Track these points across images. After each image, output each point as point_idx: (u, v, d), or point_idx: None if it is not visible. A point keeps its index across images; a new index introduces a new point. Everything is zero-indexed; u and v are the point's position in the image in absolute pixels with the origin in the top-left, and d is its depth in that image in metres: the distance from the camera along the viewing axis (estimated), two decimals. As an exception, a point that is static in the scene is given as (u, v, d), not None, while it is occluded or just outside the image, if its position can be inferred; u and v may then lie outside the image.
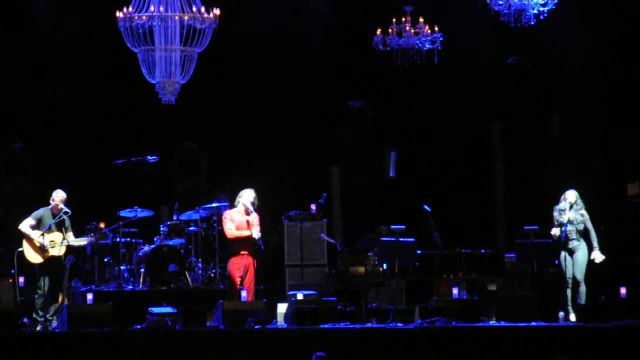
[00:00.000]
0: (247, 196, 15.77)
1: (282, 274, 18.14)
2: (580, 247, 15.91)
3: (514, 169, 20.49)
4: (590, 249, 15.91)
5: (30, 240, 15.44)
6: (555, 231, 15.90)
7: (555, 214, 16.02)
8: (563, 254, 15.90)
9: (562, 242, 15.88)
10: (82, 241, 15.79)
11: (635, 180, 19.45)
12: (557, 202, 16.12)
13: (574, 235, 15.92)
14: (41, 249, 15.36)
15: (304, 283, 17.56)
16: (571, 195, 16.01)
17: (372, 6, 19.33)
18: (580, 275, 15.84)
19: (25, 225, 15.47)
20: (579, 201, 16.02)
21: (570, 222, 15.86)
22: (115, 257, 17.06)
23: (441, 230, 17.30)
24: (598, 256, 15.90)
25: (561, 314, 15.74)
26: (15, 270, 15.94)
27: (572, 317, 15.63)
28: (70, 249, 15.59)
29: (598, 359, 14.21)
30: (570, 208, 15.94)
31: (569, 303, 15.76)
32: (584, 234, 15.95)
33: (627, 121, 19.79)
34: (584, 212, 16.00)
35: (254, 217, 15.73)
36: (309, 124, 20.08)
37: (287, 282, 17.89)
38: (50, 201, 15.58)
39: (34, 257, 15.45)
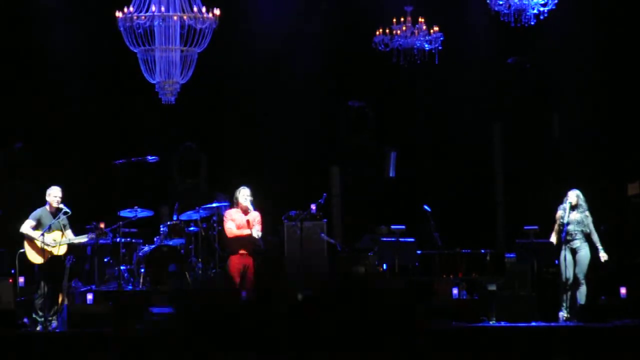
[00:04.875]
0: (242, 195, 15.78)
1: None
2: (584, 247, 15.93)
3: (514, 169, 20.48)
4: (594, 250, 15.93)
5: (31, 242, 15.45)
6: (554, 239, 15.97)
7: (560, 212, 16.04)
8: (563, 253, 15.91)
9: (564, 241, 15.90)
10: (82, 238, 15.80)
11: (635, 180, 19.45)
12: (562, 201, 16.14)
13: (578, 236, 15.94)
14: (42, 250, 15.36)
15: (304, 283, 17.54)
16: (572, 195, 16.03)
17: (372, 6, 19.33)
18: (581, 275, 15.85)
19: (27, 227, 15.48)
20: (583, 202, 16.02)
21: (577, 222, 15.89)
22: (115, 257, 17.05)
23: (441, 230, 17.30)
24: (605, 256, 15.93)
25: (561, 313, 15.75)
26: (15, 271, 15.94)
27: (568, 315, 15.67)
28: (70, 248, 15.60)
29: (598, 359, 14.20)
30: (572, 209, 15.95)
31: (566, 305, 15.76)
32: (588, 235, 15.97)
33: (627, 121, 19.79)
34: (587, 213, 16.02)
35: (254, 216, 15.73)
36: (309, 124, 20.07)
37: (287, 282, 17.87)
38: (47, 197, 15.58)
39: (36, 258, 15.46)
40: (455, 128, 20.23)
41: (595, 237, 15.95)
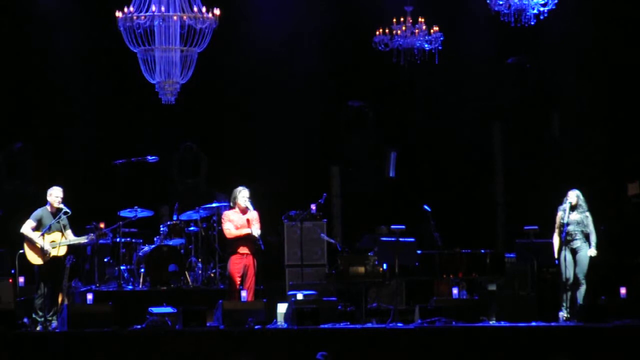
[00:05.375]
0: (241, 196, 15.78)
1: (282, 274, 18.13)
2: (584, 247, 15.93)
3: (514, 169, 20.49)
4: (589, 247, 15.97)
5: (31, 243, 15.44)
6: (556, 240, 15.97)
7: (560, 213, 16.04)
8: (563, 253, 15.91)
9: (564, 242, 15.90)
10: (82, 239, 15.80)
11: (635, 180, 19.45)
12: (561, 202, 16.13)
13: (578, 236, 15.93)
14: (42, 251, 15.36)
15: (304, 283, 17.56)
16: (572, 195, 16.02)
17: (372, 6, 19.33)
18: (582, 275, 15.85)
19: (27, 228, 15.46)
20: (583, 203, 16.02)
21: (577, 222, 15.89)
22: (115, 257, 17.05)
23: (441, 230, 17.30)
24: (594, 252, 15.93)
25: (561, 313, 15.75)
26: (15, 271, 15.93)
27: (567, 315, 15.68)
28: (70, 248, 15.59)
29: (598, 359, 14.20)
30: (572, 209, 15.95)
31: (566, 305, 15.76)
32: (588, 236, 15.97)
33: (627, 121, 19.79)
34: (588, 214, 16.02)
35: (253, 215, 15.73)
36: (309, 124, 20.07)
37: (287, 282, 17.89)
38: (48, 197, 15.58)
39: (35, 259, 15.44)
40: (455, 128, 20.23)
41: (592, 237, 15.93)
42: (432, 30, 18.09)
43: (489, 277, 16.57)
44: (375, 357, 14.22)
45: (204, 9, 15.39)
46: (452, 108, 20.25)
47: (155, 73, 15.58)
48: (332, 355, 12.59)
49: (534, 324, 15.04)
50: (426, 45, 18.09)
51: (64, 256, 15.51)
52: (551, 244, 16.05)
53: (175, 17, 15.31)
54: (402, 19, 18.10)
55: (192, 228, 17.51)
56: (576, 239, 15.94)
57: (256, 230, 15.65)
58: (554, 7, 16.49)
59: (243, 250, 15.70)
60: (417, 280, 16.93)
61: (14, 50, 19.17)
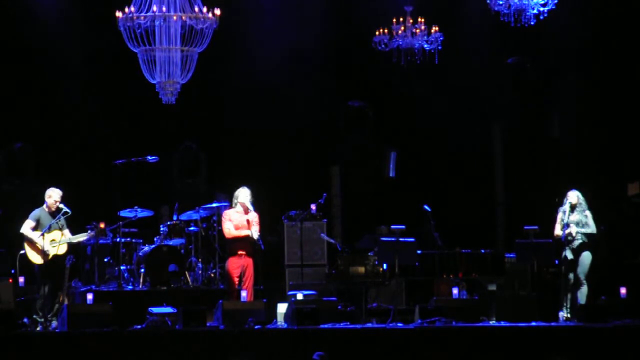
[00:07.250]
0: (243, 195, 15.79)
1: (282, 274, 18.14)
2: (585, 248, 15.92)
3: (514, 169, 20.49)
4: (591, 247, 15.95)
5: (32, 242, 15.44)
6: (559, 232, 15.92)
7: (560, 214, 16.04)
8: (564, 254, 15.91)
9: (564, 242, 15.90)
10: (81, 237, 15.82)
11: (635, 180, 19.45)
12: (562, 203, 16.12)
13: (579, 236, 15.92)
14: (43, 250, 15.36)
15: (304, 283, 17.56)
16: (572, 196, 16.02)
17: (372, 6, 19.34)
18: (582, 276, 15.86)
19: (27, 228, 15.48)
20: (582, 202, 16.02)
21: (576, 222, 15.89)
22: (115, 257, 17.05)
23: (441, 230, 17.30)
24: (573, 230, 15.89)
25: (561, 313, 15.76)
26: (15, 271, 15.94)
27: (568, 315, 15.68)
28: (70, 247, 15.60)
29: (598, 359, 14.20)
30: (572, 209, 15.95)
31: (566, 305, 15.77)
32: (588, 235, 15.96)
33: (627, 121, 19.79)
34: (587, 212, 16.02)
35: (254, 216, 15.73)
36: (309, 124, 20.08)
37: (287, 282, 17.89)
38: (47, 199, 15.58)
39: (36, 258, 15.46)
40: (455, 128, 20.23)
41: (588, 230, 15.89)
42: (432, 31, 18.11)
43: (489, 277, 16.57)
44: (375, 357, 14.23)
45: (204, 9, 15.40)
46: (452, 108, 20.24)
47: (156, 73, 15.59)
48: (330, 355, 12.58)
49: (534, 324, 15.04)
50: (426, 46, 18.10)
51: (64, 255, 15.52)
52: (552, 243, 16.04)
53: (175, 17, 15.31)
54: (402, 19, 18.11)
55: (192, 228, 17.51)
56: (577, 240, 15.94)
57: (255, 233, 15.65)
58: (554, 7, 16.50)
59: (241, 251, 15.71)
60: (417, 280, 16.93)
61: (14, 50, 19.16)
